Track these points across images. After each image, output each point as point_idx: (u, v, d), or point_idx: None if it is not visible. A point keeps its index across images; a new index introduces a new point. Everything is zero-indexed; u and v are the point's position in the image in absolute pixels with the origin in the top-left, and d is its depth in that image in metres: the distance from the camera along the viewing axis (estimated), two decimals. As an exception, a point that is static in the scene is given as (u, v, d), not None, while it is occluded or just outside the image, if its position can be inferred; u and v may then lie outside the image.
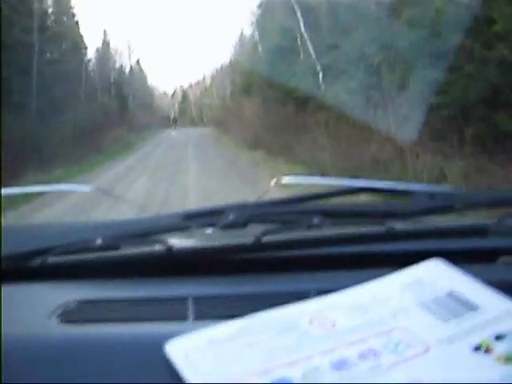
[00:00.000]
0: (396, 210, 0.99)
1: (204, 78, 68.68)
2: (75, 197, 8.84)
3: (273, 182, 0.98)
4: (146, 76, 62.22)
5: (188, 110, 70.22)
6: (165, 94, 76.60)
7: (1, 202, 1.01)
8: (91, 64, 35.59)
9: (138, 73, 58.67)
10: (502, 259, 0.94)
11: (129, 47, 47.04)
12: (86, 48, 33.60)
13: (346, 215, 1.00)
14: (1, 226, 1.18)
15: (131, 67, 55.88)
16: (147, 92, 61.94)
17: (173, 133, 44.41)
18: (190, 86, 73.52)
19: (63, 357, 0.63)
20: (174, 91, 75.93)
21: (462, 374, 0.57)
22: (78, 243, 0.92)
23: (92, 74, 35.44)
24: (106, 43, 42.91)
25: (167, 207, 8.14)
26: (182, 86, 74.87)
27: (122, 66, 47.04)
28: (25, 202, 9.34)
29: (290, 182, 1.02)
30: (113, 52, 44.32)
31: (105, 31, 48.57)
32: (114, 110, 35.77)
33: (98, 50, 40.48)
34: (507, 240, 1.00)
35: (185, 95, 73.13)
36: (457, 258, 0.78)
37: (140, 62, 60.91)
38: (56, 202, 9.22)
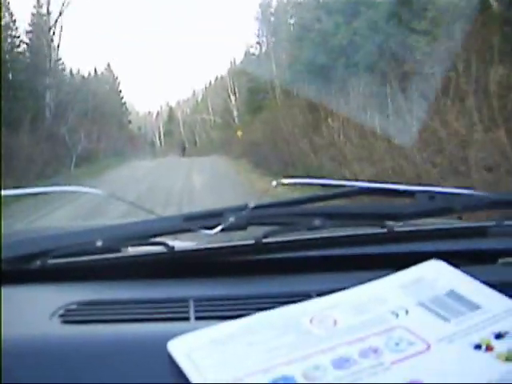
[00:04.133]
0: (396, 211, 0.99)
1: (194, 94, 56.73)
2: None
3: (273, 183, 0.98)
4: (118, 83, 46.35)
5: (176, 132, 55.51)
6: (149, 113, 62.93)
7: (1, 203, 1.01)
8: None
9: (106, 79, 44.43)
10: (502, 260, 0.94)
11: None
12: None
13: (346, 217, 1.00)
14: (0, 229, 1.18)
15: (95, 71, 41.98)
16: (116, 104, 44.24)
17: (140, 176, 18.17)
18: (178, 103, 60.85)
19: (65, 357, 0.63)
20: (159, 111, 61.71)
21: (463, 372, 0.57)
22: (78, 245, 0.93)
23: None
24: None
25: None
26: (168, 103, 61.65)
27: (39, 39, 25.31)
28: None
29: (290, 182, 1.03)
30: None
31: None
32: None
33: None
34: (507, 241, 1.00)
35: (171, 114, 59.08)
36: (457, 260, 0.79)
37: (111, 66, 46.21)
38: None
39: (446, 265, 0.77)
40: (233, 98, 38.84)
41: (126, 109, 48.30)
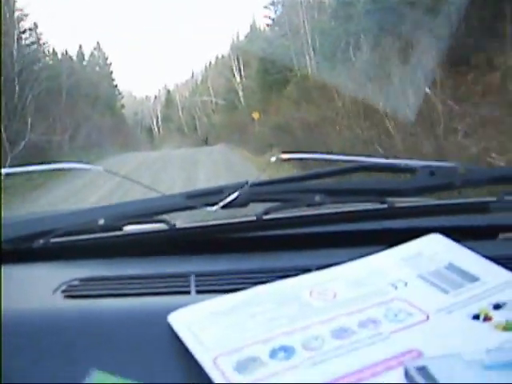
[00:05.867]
0: (397, 187, 1.00)
1: (193, 76, 51.10)
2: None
3: (273, 158, 0.99)
4: (109, 64, 41.09)
5: (174, 116, 50.82)
6: (146, 98, 57.23)
7: (1, 186, 1.02)
8: None
9: (96, 60, 39.91)
10: (502, 235, 0.94)
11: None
12: None
13: (346, 193, 1.01)
14: (1, 210, 1.19)
15: (80, 48, 37.01)
16: (105, 87, 38.72)
17: None
18: (176, 86, 54.67)
19: (68, 329, 0.64)
20: (156, 95, 55.77)
21: (461, 341, 0.58)
22: (80, 224, 0.93)
23: None
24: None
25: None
26: (166, 87, 55.32)
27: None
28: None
29: (290, 157, 1.03)
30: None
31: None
32: None
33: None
34: (507, 217, 1.00)
35: (169, 98, 53.45)
36: (458, 235, 0.79)
37: (101, 45, 40.82)
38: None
39: (445, 239, 0.78)
40: (237, 76, 33.53)
41: (119, 92, 43.34)
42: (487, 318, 0.61)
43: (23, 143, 16.63)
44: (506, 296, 0.64)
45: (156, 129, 53.35)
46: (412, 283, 0.68)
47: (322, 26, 17.09)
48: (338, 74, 12.30)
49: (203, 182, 10.85)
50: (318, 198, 0.92)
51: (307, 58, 18.63)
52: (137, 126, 49.54)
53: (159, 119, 52.90)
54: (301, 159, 1.03)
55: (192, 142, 36.43)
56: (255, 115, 21.48)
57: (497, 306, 0.62)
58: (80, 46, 37.81)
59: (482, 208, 1.01)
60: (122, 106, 44.32)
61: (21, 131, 16.93)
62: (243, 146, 19.77)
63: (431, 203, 1.05)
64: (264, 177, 1.03)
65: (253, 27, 31.91)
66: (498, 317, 0.61)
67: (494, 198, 1.02)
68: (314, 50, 18.05)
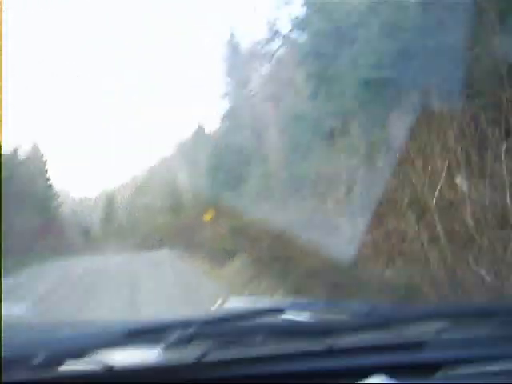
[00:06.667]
0: (335, 326, 1.02)
1: (134, 179, 48.29)
2: None
3: (218, 302, 1.00)
4: (44, 161, 36.76)
5: (115, 218, 46.93)
6: (85, 198, 51.99)
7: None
8: None
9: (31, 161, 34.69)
10: (441, 372, 0.97)
11: None
12: None
13: (287, 333, 1.02)
14: None
15: (15, 150, 30.15)
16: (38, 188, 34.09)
17: None
18: (118, 189, 50.12)
19: None
20: (96, 197, 51.49)
21: None
22: (19, 360, 0.91)
23: None
24: None
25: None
26: (105, 190, 50.35)
27: None
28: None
29: (234, 304, 1.05)
30: None
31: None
32: None
33: None
34: (444, 353, 1.03)
35: (110, 199, 49.00)
36: (397, 372, 0.81)
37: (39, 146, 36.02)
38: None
39: (387, 379, 0.79)
40: (183, 175, 30.78)
41: (54, 193, 39.00)
42: None
43: None
44: None
45: (95, 231, 50.46)
46: None
47: (292, 108, 12.24)
48: (316, 164, 9.00)
49: (146, 298, 8.19)
50: (258, 338, 0.94)
51: (270, 148, 14.69)
52: (73, 228, 46.99)
53: (99, 220, 47.87)
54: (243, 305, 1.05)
55: (134, 245, 34.19)
56: (207, 216, 17.89)
57: None
58: (15, 150, 35.14)
59: (418, 344, 1.04)
60: (58, 206, 41.09)
61: None
62: (192, 252, 16.54)
63: (369, 342, 1.07)
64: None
65: (200, 125, 30.43)
66: None
67: (430, 335, 1.05)
68: (280, 137, 13.60)
